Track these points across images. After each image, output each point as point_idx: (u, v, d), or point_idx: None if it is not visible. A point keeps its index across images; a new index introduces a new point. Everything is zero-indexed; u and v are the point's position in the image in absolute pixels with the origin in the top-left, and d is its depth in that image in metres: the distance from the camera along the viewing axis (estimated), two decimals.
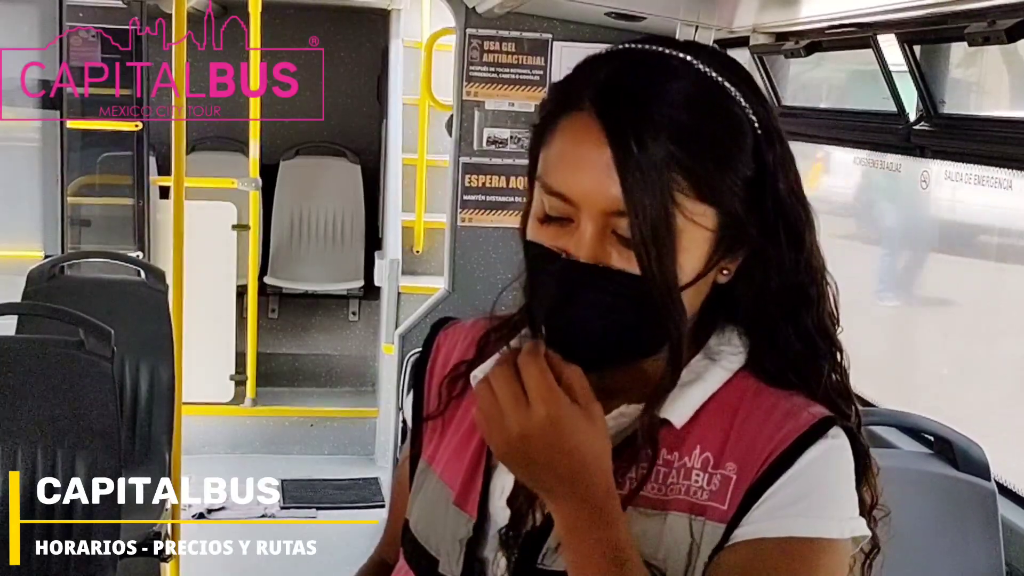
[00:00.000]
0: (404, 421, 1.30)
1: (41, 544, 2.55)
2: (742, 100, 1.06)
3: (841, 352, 1.12)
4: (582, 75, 1.07)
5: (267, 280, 6.38)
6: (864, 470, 1.07)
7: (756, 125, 1.06)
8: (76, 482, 2.55)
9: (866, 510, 1.08)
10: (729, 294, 1.11)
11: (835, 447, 1.05)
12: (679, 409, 1.08)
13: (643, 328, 1.05)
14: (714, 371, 1.10)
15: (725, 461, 1.05)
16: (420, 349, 1.32)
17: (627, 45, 1.09)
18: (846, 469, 1.06)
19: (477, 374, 1.17)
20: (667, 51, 1.07)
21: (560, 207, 1.04)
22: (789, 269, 1.09)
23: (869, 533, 1.07)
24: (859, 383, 1.23)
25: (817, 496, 1.04)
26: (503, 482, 1.13)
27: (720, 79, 1.06)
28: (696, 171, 1.02)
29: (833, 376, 1.11)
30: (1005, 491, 2.40)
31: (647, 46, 1.08)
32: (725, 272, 1.08)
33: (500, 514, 1.13)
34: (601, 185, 1.01)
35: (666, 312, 1.04)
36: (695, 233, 1.04)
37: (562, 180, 1.04)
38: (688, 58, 1.06)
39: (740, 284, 1.10)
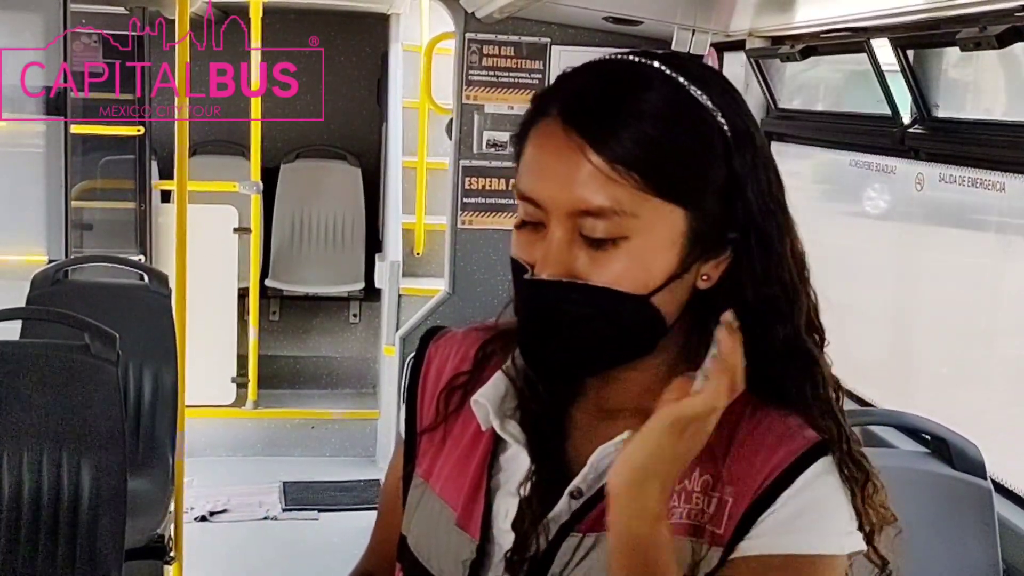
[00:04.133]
0: (398, 433, 1.29)
1: (47, 546, 2.57)
2: (711, 105, 1.07)
3: (821, 369, 1.12)
4: (555, 87, 1.11)
5: (268, 283, 6.38)
6: (863, 490, 1.08)
7: (727, 130, 1.07)
8: (81, 485, 2.57)
9: (874, 530, 1.09)
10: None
11: (830, 466, 1.07)
12: None
13: (618, 335, 1.07)
14: None
15: (723, 485, 1.07)
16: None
17: (603, 57, 1.12)
18: (841, 486, 1.07)
19: (479, 399, 1.16)
20: (638, 60, 1.10)
21: (533, 212, 1.07)
22: (760, 279, 1.09)
23: (865, 548, 1.08)
24: None
25: (816, 513, 1.06)
26: (507, 505, 1.14)
27: (689, 85, 1.07)
28: (658, 171, 1.04)
29: (813, 394, 1.10)
30: (1001, 489, 2.42)
31: (620, 56, 1.11)
32: (705, 278, 1.09)
33: (504, 537, 1.13)
34: (565, 187, 1.04)
35: (636, 313, 1.06)
36: (663, 232, 1.05)
37: (531, 184, 1.07)
38: (657, 65, 1.08)
39: (719, 293, 1.10)
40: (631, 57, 1.10)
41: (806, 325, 1.11)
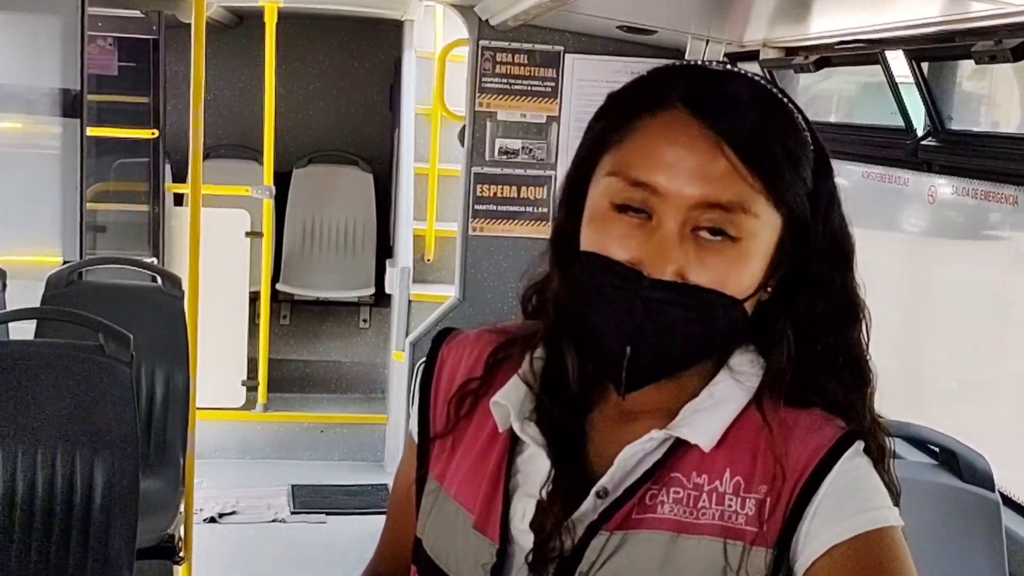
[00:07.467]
0: (408, 436, 1.29)
1: (59, 544, 2.59)
2: (803, 122, 1.11)
3: (871, 383, 1.14)
4: (659, 81, 1.11)
5: (279, 287, 6.40)
6: (888, 472, 1.10)
7: (812, 147, 1.11)
8: (94, 484, 2.58)
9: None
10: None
11: (862, 453, 1.08)
12: (707, 432, 1.10)
13: (712, 337, 1.09)
14: (737, 392, 1.12)
15: (756, 484, 1.08)
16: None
17: (694, 62, 1.14)
18: (875, 471, 1.09)
19: (499, 400, 1.16)
20: (733, 68, 1.12)
21: (642, 198, 1.06)
22: (838, 290, 1.12)
23: (902, 524, 1.08)
24: None
25: (863, 492, 1.06)
26: (524, 506, 1.13)
27: (785, 99, 1.11)
28: (776, 173, 1.06)
29: (860, 404, 1.12)
30: (1009, 502, 2.42)
31: (713, 63, 1.13)
32: (768, 290, 1.11)
33: (523, 538, 1.13)
34: (696, 179, 1.04)
35: (731, 317, 1.07)
36: (766, 237, 1.08)
37: (654, 173, 1.06)
38: (752, 75, 1.11)
39: (778, 304, 1.12)
40: (727, 66, 1.12)
41: (858, 339, 1.14)
